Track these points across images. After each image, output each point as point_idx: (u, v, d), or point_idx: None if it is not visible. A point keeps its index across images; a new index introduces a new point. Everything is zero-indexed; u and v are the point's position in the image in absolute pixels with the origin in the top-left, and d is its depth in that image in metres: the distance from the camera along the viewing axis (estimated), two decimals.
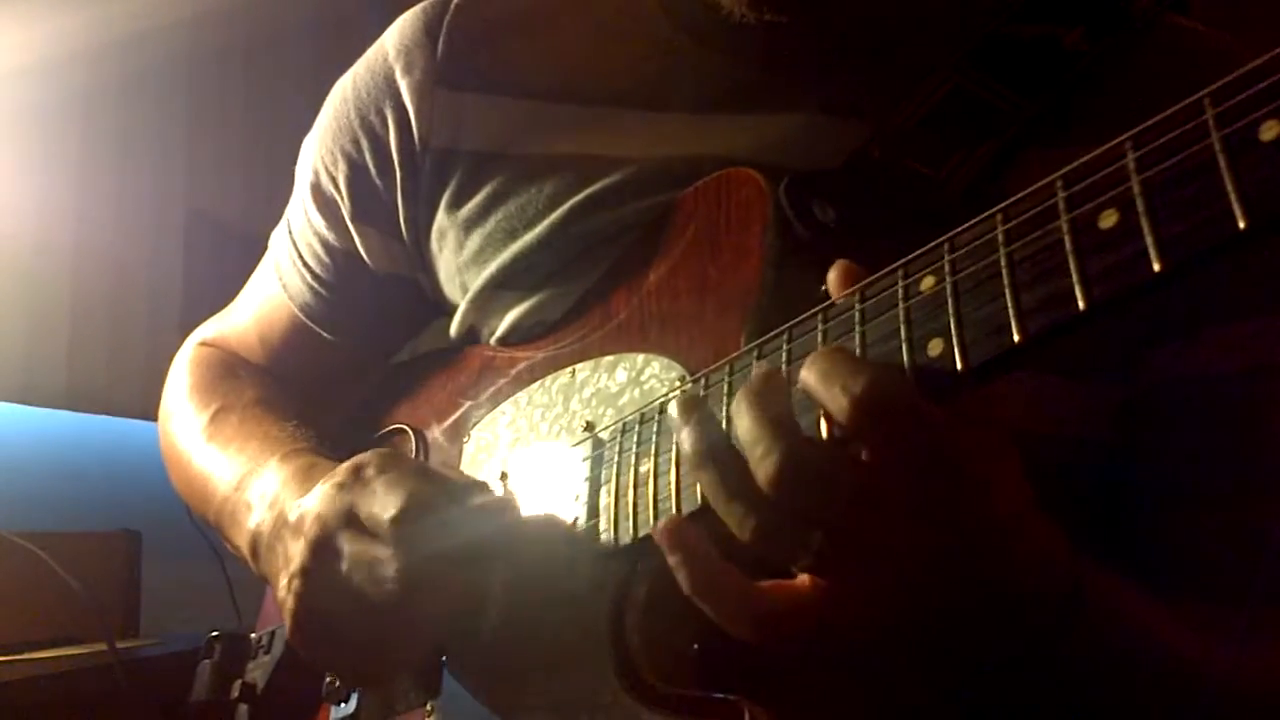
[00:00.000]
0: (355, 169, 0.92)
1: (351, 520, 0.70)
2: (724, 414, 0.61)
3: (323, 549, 0.71)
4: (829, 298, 0.58)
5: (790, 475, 0.50)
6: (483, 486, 0.72)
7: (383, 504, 0.68)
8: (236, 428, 0.94)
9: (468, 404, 0.87)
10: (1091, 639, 0.57)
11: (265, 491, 0.83)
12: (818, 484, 0.51)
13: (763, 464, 0.51)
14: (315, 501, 0.73)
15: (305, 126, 1.00)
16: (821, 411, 0.52)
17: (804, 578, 0.54)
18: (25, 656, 1.55)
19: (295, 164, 1.00)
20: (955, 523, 0.51)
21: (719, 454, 0.54)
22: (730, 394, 0.62)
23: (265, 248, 1.06)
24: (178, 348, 1.10)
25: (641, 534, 0.66)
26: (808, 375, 0.51)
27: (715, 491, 0.54)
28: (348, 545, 0.70)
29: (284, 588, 0.74)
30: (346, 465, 0.73)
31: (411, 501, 0.67)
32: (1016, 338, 0.48)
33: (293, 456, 0.85)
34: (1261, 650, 0.63)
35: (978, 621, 0.54)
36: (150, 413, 1.10)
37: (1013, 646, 0.55)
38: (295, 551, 0.73)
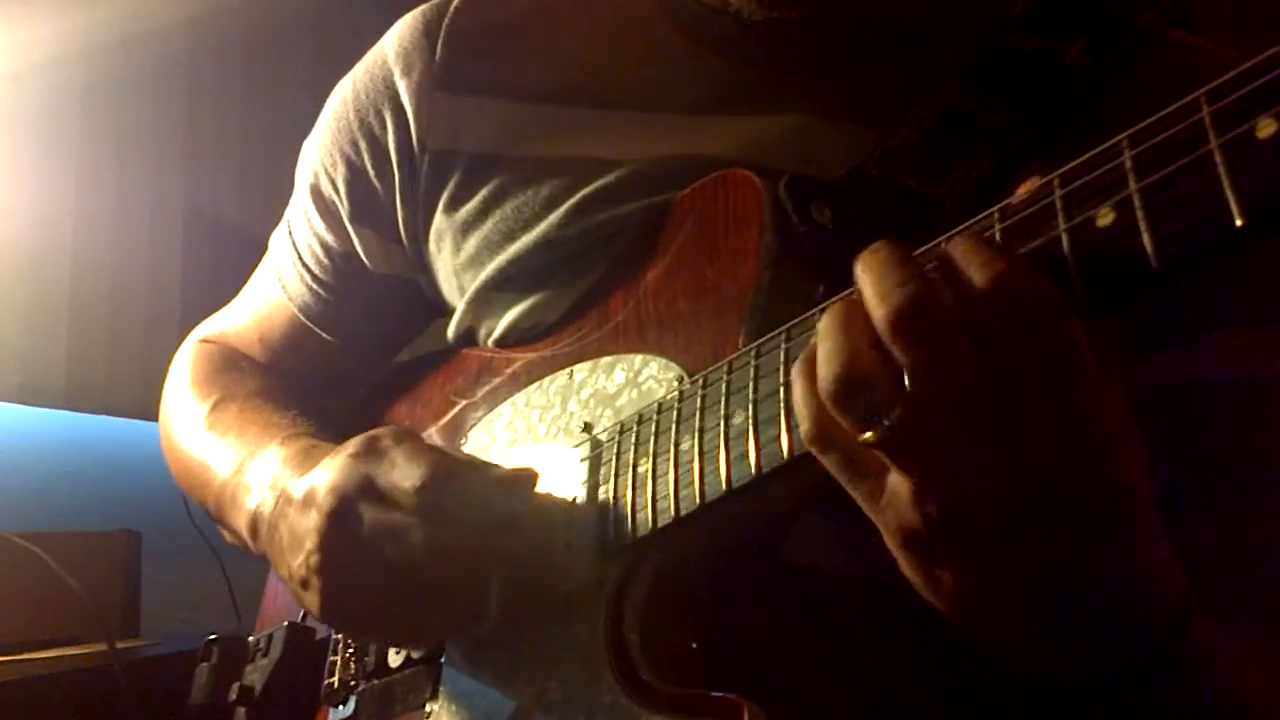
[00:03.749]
0: (354, 171, 0.92)
1: (370, 490, 0.70)
2: (723, 413, 0.61)
3: (341, 518, 0.71)
4: (826, 297, 0.58)
5: (914, 312, 0.45)
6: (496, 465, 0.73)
7: (405, 473, 0.69)
8: (236, 415, 0.94)
9: (465, 405, 0.87)
10: (1189, 677, 0.55)
11: (265, 473, 0.83)
12: (938, 333, 0.45)
13: (890, 297, 0.46)
14: (327, 474, 0.73)
15: (304, 126, 1.00)
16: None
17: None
18: (25, 656, 1.56)
19: (294, 164, 1.00)
20: (1073, 429, 0.47)
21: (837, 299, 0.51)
22: (729, 394, 0.62)
23: (264, 248, 1.06)
24: (177, 347, 1.10)
25: (640, 535, 0.66)
26: (953, 246, 0.48)
27: (825, 327, 0.50)
28: (369, 514, 0.70)
29: (300, 564, 0.73)
30: (359, 438, 0.73)
31: (434, 470, 0.69)
32: None
33: (292, 440, 0.85)
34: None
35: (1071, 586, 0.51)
36: (149, 413, 1.10)
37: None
38: (309, 526, 0.72)
